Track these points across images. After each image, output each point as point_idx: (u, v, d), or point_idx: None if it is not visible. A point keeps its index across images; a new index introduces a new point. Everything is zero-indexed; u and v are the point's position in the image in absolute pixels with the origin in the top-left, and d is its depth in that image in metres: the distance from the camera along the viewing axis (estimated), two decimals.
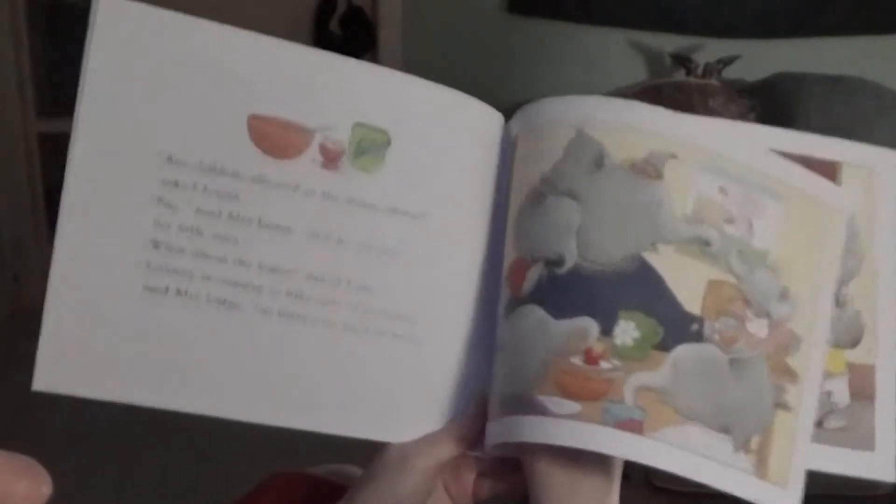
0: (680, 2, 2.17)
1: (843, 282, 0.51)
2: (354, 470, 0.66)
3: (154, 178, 0.47)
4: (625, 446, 0.45)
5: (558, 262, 0.49)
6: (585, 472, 0.48)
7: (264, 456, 1.51)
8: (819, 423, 0.49)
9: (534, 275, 0.50)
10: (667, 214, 0.48)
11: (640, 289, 0.47)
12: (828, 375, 0.50)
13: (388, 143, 0.50)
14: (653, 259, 0.47)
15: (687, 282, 0.47)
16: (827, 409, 0.49)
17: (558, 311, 0.48)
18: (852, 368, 0.50)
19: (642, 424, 0.45)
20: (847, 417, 0.49)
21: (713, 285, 0.47)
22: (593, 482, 0.48)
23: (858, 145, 0.53)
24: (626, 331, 0.47)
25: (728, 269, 0.48)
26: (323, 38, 2.23)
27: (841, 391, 0.50)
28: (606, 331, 0.47)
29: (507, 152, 0.53)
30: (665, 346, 0.46)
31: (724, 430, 0.46)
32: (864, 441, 0.49)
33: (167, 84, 0.47)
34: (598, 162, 0.50)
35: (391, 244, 0.51)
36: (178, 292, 0.47)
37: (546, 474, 0.48)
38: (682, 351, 0.46)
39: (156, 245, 0.47)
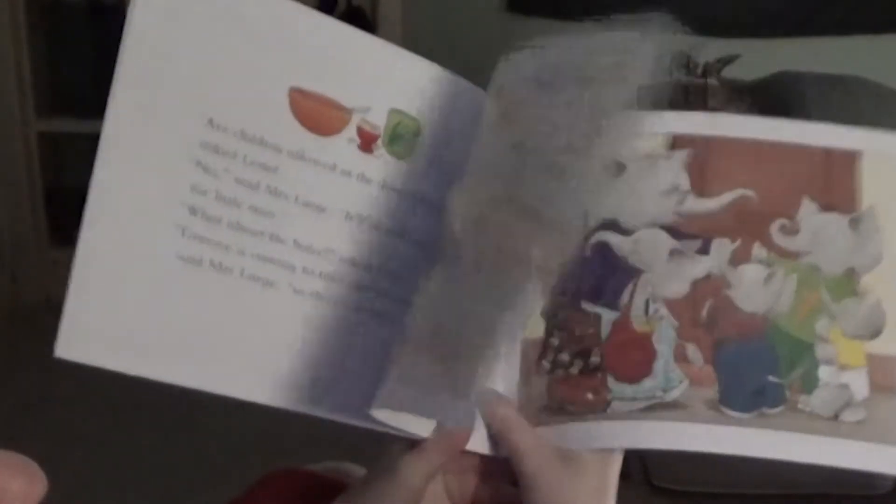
0: (680, 2, 2.16)
1: (859, 273, 0.49)
2: (354, 467, 0.66)
3: (194, 140, 0.45)
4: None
5: None
6: (578, 473, 0.47)
7: (264, 455, 1.51)
8: (835, 417, 0.47)
9: None
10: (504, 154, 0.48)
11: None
12: (845, 368, 0.48)
13: (419, 132, 0.50)
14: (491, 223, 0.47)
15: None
16: (844, 402, 0.47)
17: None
18: (872, 360, 0.48)
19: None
20: (866, 410, 0.47)
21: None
22: (585, 483, 0.47)
23: (882, 134, 0.50)
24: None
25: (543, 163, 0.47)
26: None
27: (860, 384, 0.47)
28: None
29: None
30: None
31: None
32: (885, 434, 0.47)
33: (212, 45, 0.46)
34: (518, 147, 0.49)
35: (422, 237, 0.49)
36: (213, 265, 0.45)
37: (535, 477, 0.47)
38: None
39: (192, 211, 0.45)
